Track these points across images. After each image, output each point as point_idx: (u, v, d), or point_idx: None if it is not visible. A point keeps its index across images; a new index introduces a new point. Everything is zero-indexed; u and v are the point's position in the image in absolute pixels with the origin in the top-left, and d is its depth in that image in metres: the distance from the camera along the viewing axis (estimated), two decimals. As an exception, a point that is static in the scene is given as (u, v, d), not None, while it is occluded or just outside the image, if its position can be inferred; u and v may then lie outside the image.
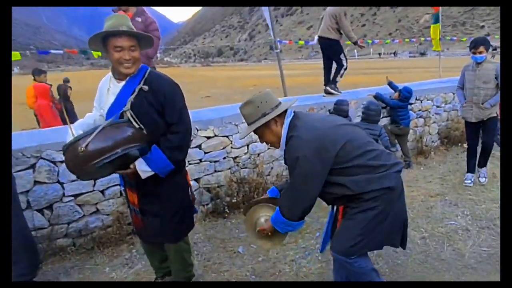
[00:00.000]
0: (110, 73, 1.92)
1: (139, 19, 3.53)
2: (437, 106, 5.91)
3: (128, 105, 1.80)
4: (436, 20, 7.93)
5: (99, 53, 5.23)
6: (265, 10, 5.79)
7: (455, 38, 14.58)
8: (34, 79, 6.98)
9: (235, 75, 36.20)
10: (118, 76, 1.86)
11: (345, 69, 5.05)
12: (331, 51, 5.08)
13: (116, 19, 1.77)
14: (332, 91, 5.06)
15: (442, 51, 8.64)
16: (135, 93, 1.81)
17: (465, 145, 5.63)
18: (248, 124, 1.87)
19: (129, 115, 1.79)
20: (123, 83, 1.85)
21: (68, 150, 1.67)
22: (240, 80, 28.00)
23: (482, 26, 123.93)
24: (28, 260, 2.25)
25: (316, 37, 5.25)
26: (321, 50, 5.25)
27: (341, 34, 5.00)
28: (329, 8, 5.03)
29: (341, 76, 5.10)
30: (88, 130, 1.69)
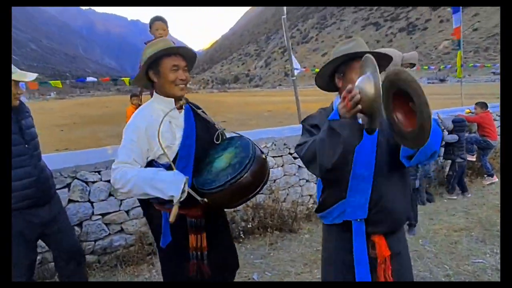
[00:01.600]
0: (151, 110, 1.72)
1: None
2: None
3: (219, 126, 1.87)
4: (459, 47, 7.99)
5: (128, 80, 5.60)
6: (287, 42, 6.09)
7: (478, 64, 14.50)
8: (132, 102, 7.49)
9: (250, 101, 36.87)
10: (175, 104, 1.74)
11: None
12: None
13: (164, 42, 1.70)
14: None
15: (464, 77, 8.59)
16: (196, 119, 1.80)
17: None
18: None
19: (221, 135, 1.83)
20: (182, 111, 1.77)
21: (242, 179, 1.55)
22: (255, 106, 28.39)
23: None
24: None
25: None
26: None
27: None
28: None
29: None
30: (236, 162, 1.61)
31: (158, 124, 1.62)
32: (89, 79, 6.79)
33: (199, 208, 1.67)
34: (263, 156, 1.65)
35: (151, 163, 1.70)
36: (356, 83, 1.19)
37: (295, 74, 6.30)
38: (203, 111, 1.85)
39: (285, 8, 5.93)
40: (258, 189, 1.61)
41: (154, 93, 1.78)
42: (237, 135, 1.84)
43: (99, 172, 3.17)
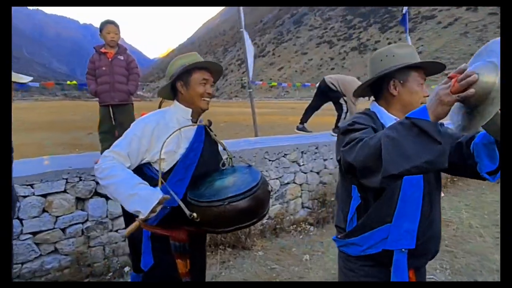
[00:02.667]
0: (167, 113, 1.71)
1: (122, 58, 3.65)
2: None
3: (226, 149, 1.86)
4: None
5: (75, 83, 5.27)
6: (249, 56, 6.04)
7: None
8: None
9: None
10: (191, 115, 1.74)
11: (346, 112, 5.30)
12: (332, 96, 5.35)
13: (195, 56, 1.74)
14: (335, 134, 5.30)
15: None
16: (206, 139, 1.77)
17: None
18: None
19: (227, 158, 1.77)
20: (196, 125, 1.74)
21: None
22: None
23: (447, 74, 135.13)
24: None
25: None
26: (317, 91, 5.52)
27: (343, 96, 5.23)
28: (348, 78, 5.31)
29: (342, 120, 5.40)
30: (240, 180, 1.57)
31: (167, 127, 1.62)
32: (31, 84, 6.32)
33: (184, 231, 1.61)
34: (269, 189, 1.61)
35: (142, 167, 1.63)
36: (470, 68, 0.99)
37: (252, 87, 6.32)
38: (215, 135, 1.85)
39: (242, 20, 5.95)
40: (255, 220, 1.52)
41: (176, 102, 1.76)
42: (247, 165, 1.77)
43: (31, 185, 2.84)
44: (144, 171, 1.62)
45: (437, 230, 1.42)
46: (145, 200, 1.44)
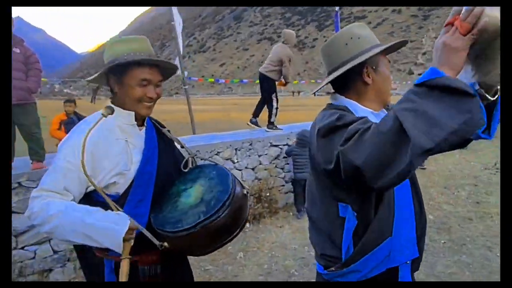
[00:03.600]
0: (103, 124, 1.25)
1: (17, 50, 3.22)
2: None
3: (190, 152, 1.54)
4: None
5: None
6: (179, 53, 5.85)
7: None
8: (65, 109, 6.02)
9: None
10: (136, 118, 1.38)
11: (276, 108, 5.41)
12: (266, 89, 5.40)
13: (140, 43, 1.33)
14: (271, 130, 5.39)
15: None
16: (160, 140, 1.46)
17: None
18: None
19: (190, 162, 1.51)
20: (143, 129, 1.41)
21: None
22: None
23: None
24: None
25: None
26: (260, 85, 5.59)
27: (280, 75, 5.32)
28: (277, 50, 5.33)
29: (275, 116, 5.49)
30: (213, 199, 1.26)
31: (108, 142, 1.27)
32: None
33: (155, 252, 1.29)
34: (244, 192, 1.35)
35: (91, 194, 1.28)
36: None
37: (187, 83, 6.19)
38: (168, 131, 1.55)
39: (176, 13, 5.78)
40: (236, 233, 1.30)
41: (109, 103, 1.37)
42: (212, 163, 1.49)
43: None
44: (94, 198, 1.28)
45: (426, 230, 1.29)
46: (110, 232, 1.14)
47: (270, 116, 5.50)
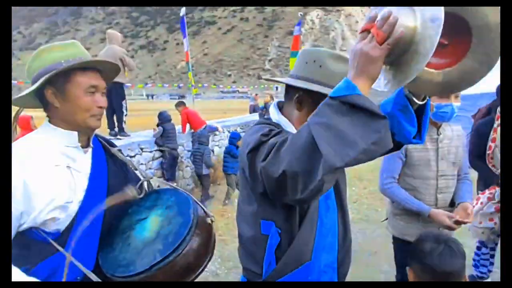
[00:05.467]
0: (40, 150, 1.10)
1: None
2: (188, 150, 6.85)
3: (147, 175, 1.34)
4: (189, 68, 9.46)
5: None
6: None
7: (206, 84, 17.40)
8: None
9: None
10: (81, 139, 1.19)
11: (125, 115, 5.58)
12: (114, 95, 5.23)
13: (75, 47, 1.18)
14: (123, 138, 5.57)
15: (199, 95, 10.19)
16: (109, 162, 1.27)
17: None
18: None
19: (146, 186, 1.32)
20: (90, 150, 1.22)
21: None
22: None
23: (229, 75, 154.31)
24: None
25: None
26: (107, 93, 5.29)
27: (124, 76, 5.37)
28: (111, 53, 5.22)
29: (124, 123, 5.62)
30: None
31: (47, 171, 1.08)
32: None
33: None
34: (209, 221, 1.19)
35: (25, 232, 1.08)
36: (382, 11, 0.87)
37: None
38: (119, 150, 1.36)
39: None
40: (201, 269, 1.16)
41: (46, 122, 1.19)
42: (171, 187, 1.32)
43: None
44: (28, 236, 1.10)
45: (351, 254, 1.31)
46: None
47: (120, 124, 5.57)
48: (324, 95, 0.96)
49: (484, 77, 0.92)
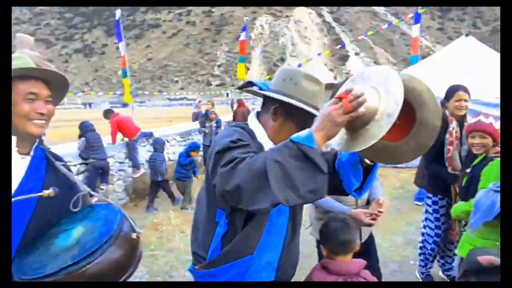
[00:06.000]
0: None
1: None
2: (120, 162, 6.38)
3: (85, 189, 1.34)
4: (125, 75, 8.46)
5: None
6: None
7: (147, 92, 16.28)
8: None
9: None
10: (19, 144, 1.23)
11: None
12: None
13: (19, 59, 1.25)
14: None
15: (143, 102, 9.20)
16: (49, 173, 1.30)
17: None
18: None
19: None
20: (28, 158, 1.27)
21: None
22: None
23: (177, 81, 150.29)
24: None
25: None
26: None
27: None
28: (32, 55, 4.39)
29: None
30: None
31: None
32: None
33: None
34: (134, 236, 1.17)
35: None
36: (355, 88, 1.09)
37: None
38: (64, 165, 1.38)
39: None
40: (120, 281, 1.12)
41: None
42: (106, 202, 1.31)
43: None
44: None
45: (296, 258, 1.51)
46: None
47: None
48: (296, 108, 1.32)
49: (407, 163, 1.19)
